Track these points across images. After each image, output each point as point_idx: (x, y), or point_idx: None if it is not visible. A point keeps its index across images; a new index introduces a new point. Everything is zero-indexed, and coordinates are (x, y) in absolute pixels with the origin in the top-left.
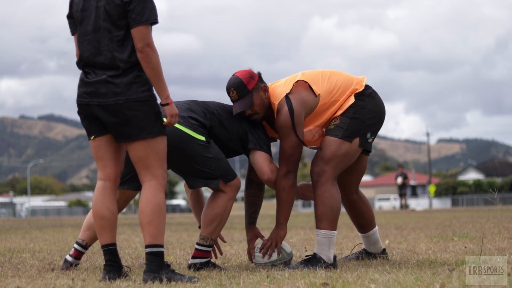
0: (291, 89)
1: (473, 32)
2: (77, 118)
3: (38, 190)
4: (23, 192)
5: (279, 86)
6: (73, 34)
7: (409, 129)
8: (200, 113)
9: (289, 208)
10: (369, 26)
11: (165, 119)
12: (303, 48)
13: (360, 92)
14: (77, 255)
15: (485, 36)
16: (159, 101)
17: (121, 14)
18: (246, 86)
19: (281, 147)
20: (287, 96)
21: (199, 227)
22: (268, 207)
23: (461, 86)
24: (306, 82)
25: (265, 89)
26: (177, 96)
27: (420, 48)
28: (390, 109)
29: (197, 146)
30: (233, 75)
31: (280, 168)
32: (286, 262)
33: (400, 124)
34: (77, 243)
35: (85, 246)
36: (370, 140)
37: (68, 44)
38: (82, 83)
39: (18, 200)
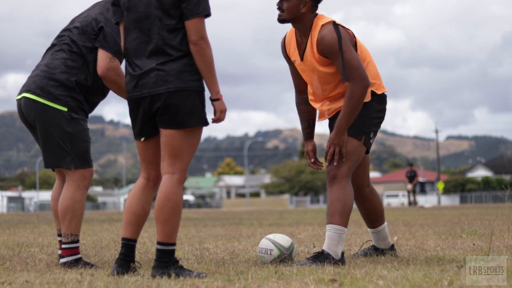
0: (340, 25)
1: (479, 29)
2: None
3: (47, 184)
4: (31, 186)
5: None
6: (117, 22)
7: (416, 126)
8: (60, 68)
9: (355, 116)
10: (375, 23)
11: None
12: None
13: (374, 92)
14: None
15: (492, 33)
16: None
17: (175, 3)
18: None
19: (339, 63)
20: (335, 23)
21: (59, 234)
22: (277, 203)
23: (467, 83)
24: (356, 38)
25: (306, 4)
26: None
27: (426, 45)
28: (397, 105)
29: (57, 116)
30: None
31: (352, 79)
32: (286, 257)
33: (407, 121)
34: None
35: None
36: (371, 141)
37: None
38: (131, 77)
39: (26, 194)
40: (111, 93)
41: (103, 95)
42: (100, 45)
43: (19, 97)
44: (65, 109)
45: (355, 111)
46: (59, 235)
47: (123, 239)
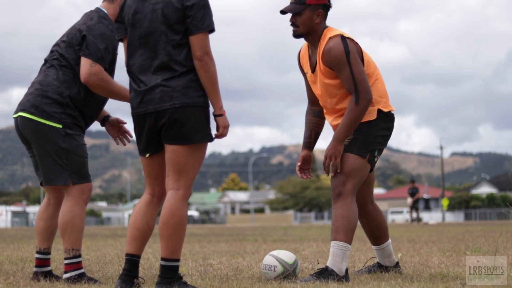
0: (349, 37)
1: (484, 46)
2: (90, 128)
3: None
4: (36, 201)
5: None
6: (120, 39)
7: (421, 142)
8: (53, 85)
9: (354, 128)
10: (380, 39)
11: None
12: None
13: (381, 110)
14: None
15: (496, 50)
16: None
17: (180, 19)
18: None
19: (345, 76)
20: (343, 36)
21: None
22: (281, 219)
23: (472, 100)
24: (363, 51)
25: (320, 14)
26: None
27: (431, 61)
28: (401, 122)
29: (52, 133)
30: None
31: (355, 92)
32: (290, 273)
33: (412, 137)
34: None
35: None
36: (376, 159)
37: None
38: (136, 94)
39: (31, 209)
40: (115, 107)
41: (100, 107)
42: (83, 53)
43: (15, 115)
44: (59, 126)
45: (354, 124)
46: (38, 252)
47: (127, 254)
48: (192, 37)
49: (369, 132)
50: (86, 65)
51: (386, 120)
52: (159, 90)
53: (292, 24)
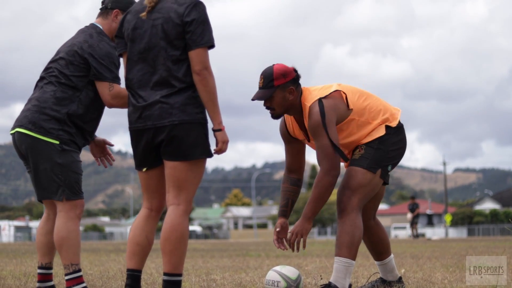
0: (326, 95)
1: (486, 62)
2: None
3: None
4: (39, 216)
5: (315, 90)
6: (120, 54)
7: (424, 158)
8: (51, 101)
9: (321, 205)
10: (382, 55)
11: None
12: (316, 76)
13: (389, 126)
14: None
15: (499, 66)
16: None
17: (179, 34)
18: (273, 80)
19: (317, 147)
20: (320, 100)
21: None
22: None
23: (475, 116)
24: (344, 93)
25: (292, 91)
26: None
27: (433, 77)
28: None
29: (48, 149)
30: (273, 65)
31: (321, 166)
32: None
33: (415, 153)
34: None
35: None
36: (389, 173)
37: None
38: (134, 109)
39: (34, 224)
40: (118, 124)
41: (98, 122)
42: (96, 77)
43: (12, 132)
44: (56, 142)
45: (321, 200)
46: (39, 267)
47: (128, 270)
48: (192, 52)
49: (380, 148)
50: (105, 90)
51: (396, 133)
52: (158, 107)
53: (268, 108)
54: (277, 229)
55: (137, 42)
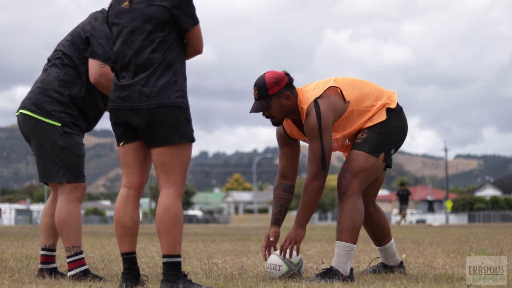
0: (321, 94)
1: (488, 48)
2: (95, 126)
3: None
4: (40, 199)
5: (308, 90)
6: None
7: (424, 144)
8: (54, 83)
9: (313, 210)
10: (384, 40)
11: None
12: (317, 61)
13: (390, 108)
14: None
15: (500, 52)
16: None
17: (163, 16)
18: (267, 90)
19: (309, 150)
20: (315, 101)
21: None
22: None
23: (476, 102)
24: (338, 88)
25: (288, 97)
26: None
27: (435, 63)
28: None
29: (50, 130)
30: (264, 74)
31: (310, 170)
32: (294, 273)
33: (416, 139)
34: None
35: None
36: (392, 156)
37: None
38: (115, 87)
39: (35, 207)
40: None
41: (101, 107)
42: (90, 55)
43: (17, 113)
44: (58, 124)
45: (312, 205)
46: (43, 249)
47: (122, 254)
48: (188, 34)
49: (383, 132)
50: (95, 66)
51: (398, 116)
52: (137, 89)
53: (267, 117)
54: (271, 239)
55: (120, 25)
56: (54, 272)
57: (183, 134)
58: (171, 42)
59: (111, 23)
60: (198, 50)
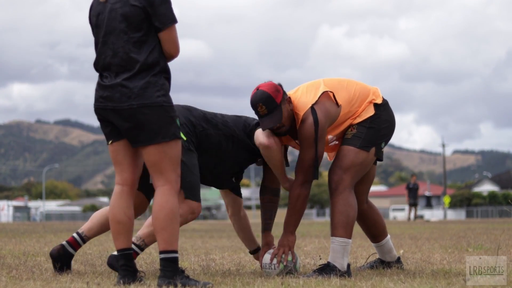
0: (316, 100)
1: (484, 44)
2: (93, 123)
3: (53, 194)
4: (38, 196)
5: (302, 96)
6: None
7: (422, 140)
8: (198, 117)
9: (301, 216)
10: (379, 36)
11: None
12: (313, 57)
13: (376, 104)
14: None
15: (496, 48)
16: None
17: (139, 16)
18: (274, 100)
19: (300, 157)
20: (312, 107)
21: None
22: (283, 216)
23: (472, 98)
24: (331, 92)
25: (289, 101)
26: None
27: (431, 59)
28: (402, 119)
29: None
30: (258, 89)
31: (297, 177)
32: (290, 269)
33: (413, 135)
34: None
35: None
36: (382, 150)
37: (78, 50)
38: (99, 87)
39: (33, 204)
40: None
41: None
42: None
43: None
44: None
45: (300, 212)
46: (77, 233)
47: (118, 251)
48: (162, 34)
49: (372, 127)
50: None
51: (385, 109)
52: (118, 90)
53: (277, 128)
54: (266, 246)
55: (100, 27)
56: (66, 257)
57: (167, 133)
58: (150, 42)
59: (94, 25)
60: (170, 53)
